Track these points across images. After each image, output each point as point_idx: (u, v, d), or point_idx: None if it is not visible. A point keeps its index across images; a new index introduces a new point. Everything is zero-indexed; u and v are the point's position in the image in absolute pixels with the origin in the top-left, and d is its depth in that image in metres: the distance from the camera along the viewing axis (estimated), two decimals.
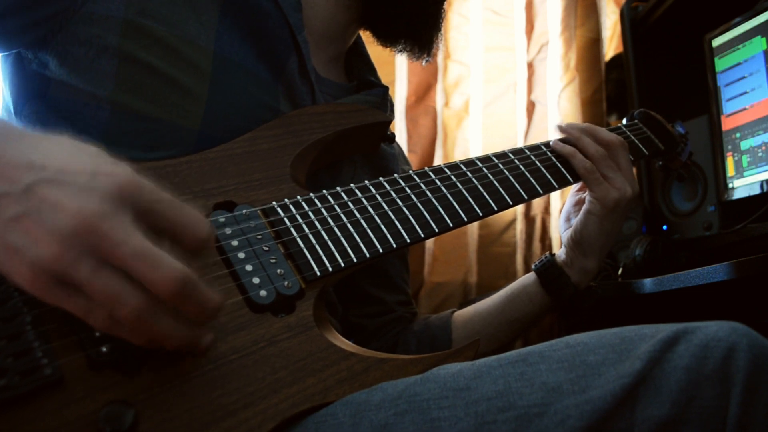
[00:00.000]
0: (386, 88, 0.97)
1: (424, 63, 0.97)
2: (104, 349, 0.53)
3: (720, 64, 1.36)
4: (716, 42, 1.37)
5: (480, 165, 0.84)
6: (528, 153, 0.90)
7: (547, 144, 0.94)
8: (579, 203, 0.98)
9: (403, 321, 1.01)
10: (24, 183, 0.47)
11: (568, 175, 0.90)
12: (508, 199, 0.83)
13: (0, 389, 0.48)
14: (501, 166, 0.86)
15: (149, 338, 0.50)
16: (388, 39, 0.95)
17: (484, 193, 0.81)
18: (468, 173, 0.83)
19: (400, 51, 0.96)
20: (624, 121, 1.08)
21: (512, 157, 0.88)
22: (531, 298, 0.96)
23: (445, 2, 0.95)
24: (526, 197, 0.85)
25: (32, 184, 0.47)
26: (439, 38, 0.95)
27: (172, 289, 0.47)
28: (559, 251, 0.97)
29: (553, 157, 0.91)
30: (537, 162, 0.89)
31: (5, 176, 0.47)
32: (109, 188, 0.47)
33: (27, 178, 0.47)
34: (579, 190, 1.00)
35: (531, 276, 0.97)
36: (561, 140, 0.95)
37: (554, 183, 0.88)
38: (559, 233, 1.01)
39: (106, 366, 0.53)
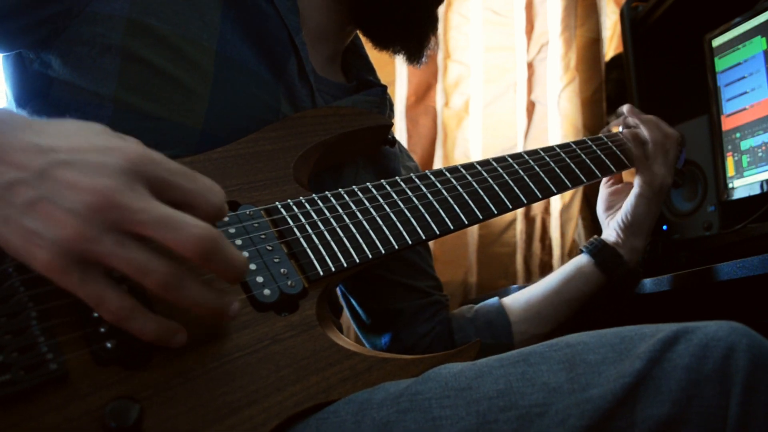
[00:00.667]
0: (385, 88, 0.97)
1: (417, 66, 0.98)
2: (110, 345, 0.53)
3: (720, 64, 1.36)
4: (716, 42, 1.37)
5: (479, 168, 0.85)
6: (526, 158, 0.91)
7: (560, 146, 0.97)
8: (615, 193, 1.08)
9: (442, 306, 1.03)
10: (36, 167, 0.47)
11: (566, 181, 0.92)
12: (508, 203, 0.84)
13: (4, 384, 0.48)
14: (500, 170, 0.86)
15: (157, 334, 0.50)
16: (379, 42, 0.95)
17: (484, 197, 0.82)
18: (468, 176, 0.83)
19: (393, 54, 0.96)
20: (621, 128, 1.09)
21: (511, 161, 0.89)
22: (587, 279, 1.00)
23: (438, 7, 0.95)
24: (525, 201, 0.86)
25: (46, 167, 0.47)
26: (431, 44, 0.95)
27: (197, 248, 0.47)
28: (604, 235, 1.04)
29: (551, 162, 0.92)
30: (536, 167, 0.90)
31: (15, 163, 0.47)
32: (121, 162, 0.48)
33: (39, 162, 0.47)
34: (612, 183, 1.09)
35: (583, 258, 1.01)
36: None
37: (553, 188, 0.90)
38: (599, 221, 1.09)
39: (112, 362, 0.53)
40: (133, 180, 0.48)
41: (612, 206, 1.07)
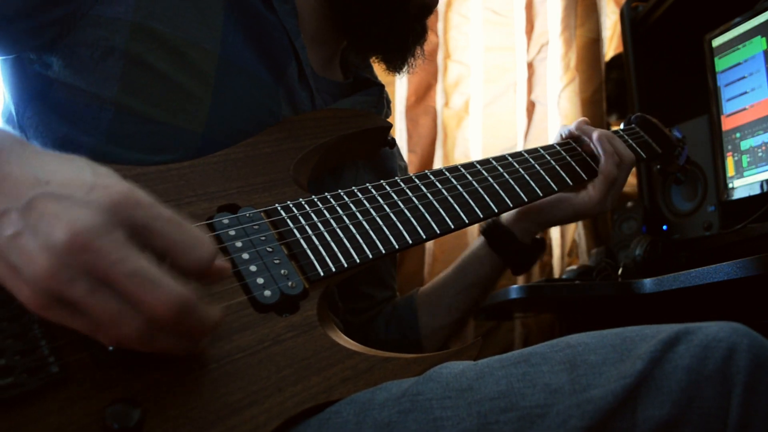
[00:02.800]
0: (382, 86, 0.97)
1: (400, 77, 0.97)
2: (111, 348, 0.53)
3: (720, 64, 1.37)
4: (716, 42, 1.37)
5: (479, 168, 0.85)
6: (527, 156, 0.91)
7: (554, 145, 0.96)
8: None
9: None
10: (26, 198, 0.46)
11: (567, 179, 0.91)
12: (509, 202, 0.83)
13: (7, 387, 0.49)
14: (501, 169, 0.86)
15: (153, 350, 0.50)
16: (361, 53, 0.96)
17: (485, 196, 0.82)
18: (468, 176, 0.83)
19: (376, 62, 0.96)
20: (622, 125, 1.09)
21: (511, 159, 0.89)
22: (481, 261, 0.99)
23: (425, 19, 0.93)
24: (526, 199, 0.86)
25: (32, 199, 0.46)
26: (416, 54, 0.94)
27: (168, 314, 0.46)
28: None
29: (552, 161, 0.92)
30: (536, 165, 0.90)
31: (11, 193, 0.46)
32: (104, 201, 0.46)
33: (29, 193, 0.46)
34: None
35: (480, 239, 1.00)
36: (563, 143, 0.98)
37: (553, 186, 0.89)
38: None
39: (113, 364, 0.53)
40: (115, 222, 0.46)
41: None
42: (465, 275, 1.00)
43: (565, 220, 0.98)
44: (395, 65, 0.94)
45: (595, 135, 0.95)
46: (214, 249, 0.51)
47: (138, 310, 0.46)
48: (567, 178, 0.91)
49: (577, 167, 0.93)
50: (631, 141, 1.02)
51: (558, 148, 0.95)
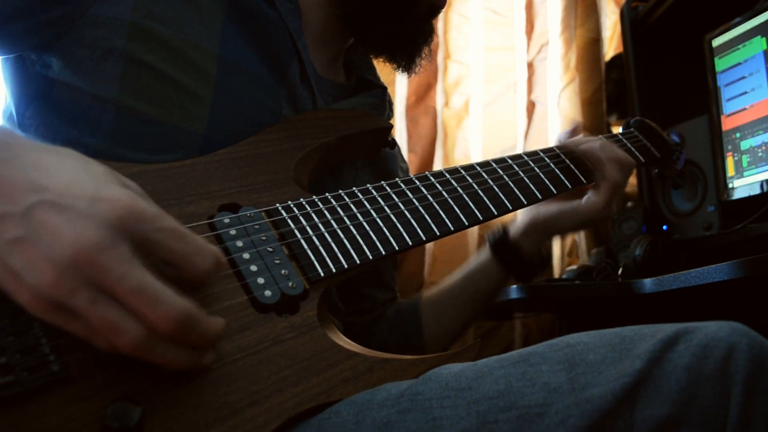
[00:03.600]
0: (385, 89, 0.97)
1: (408, 76, 0.97)
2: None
3: (720, 64, 1.37)
4: (716, 42, 1.37)
5: (479, 170, 0.85)
6: (527, 159, 0.91)
7: (550, 149, 0.95)
8: None
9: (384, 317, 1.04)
10: (25, 204, 0.46)
11: (566, 182, 0.92)
12: (508, 205, 0.84)
13: (7, 385, 0.49)
14: (500, 171, 0.86)
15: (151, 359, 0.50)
16: (370, 52, 0.96)
17: (484, 198, 0.82)
18: (467, 178, 0.83)
19: (385, 62, 0.96)
20: (620, 129, 1.09)
21: (511, 162, 0.89)
22: (487, 273, 0.99)
23: (433, 19, 0.93)
24: (525, 202, 0.86)
25: (32, 206, 0.46)
26: (424, 54, 0.94)
27: (171, 327, 0.47)
28: (516, 223, 1.00)
29: (551, 164, 0.92)
30: (536, 168, 0.90)
31: (7, 196, 0.47)
32: (108, 216, 0.46)
33: (28, 199, 0.46)
34: None
35: (486, 252, 1.00)
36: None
37: (552, 189, 0.89)
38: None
39: (113, 363, 0.53)
40: (119, 238, 0.46)
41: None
42: (471, 286, 1.00)
43: (572, 229, 0.98)
44: (404, 65, 0.94)
45: (598, 145, 0.95)
46: (217, 257, 0.52)
47: (141, 321, 0.47)
48: (566, 181, 0.91)
49: (576, 170, 0.93)
50: (630, 145, 1.02)
51: (557, 150, 0.95)
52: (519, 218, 0.99)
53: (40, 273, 0.45)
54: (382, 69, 1.04)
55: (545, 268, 1.02)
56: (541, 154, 0.93)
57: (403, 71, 0.95)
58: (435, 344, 1.01)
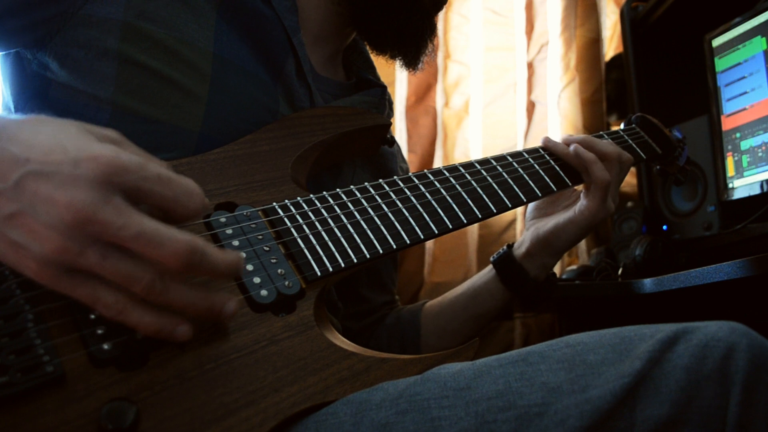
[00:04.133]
0: (384, 88, 0.97)
1: (413, 72, 0.97)
2: (106, 347, 0.53)
3: (720, 64, 1.36)
4: (716, 42, 1.37)
5: (479, 167, 0.85)
6: (527, 156, 0.91)
7: (543, 148, 0.94)
8: (551, 201, 0.97)
9: (382, 321, 1.03)
10: (12, 179, 0.47)
11: (566, 179, 0.90)
12: (507, 202, 0.83)
13: (2, 386, 0.48)
14: (500, 169, 0.86)
15: (157, 326, 0.51)
16: (377, 47, 0.95)
17: (483, 196, 0.82)
18: (467, 175, 0.83)
19: (391, 59, 0.96)
20: (622, 126, 1.09)
21: (511, 159, 0.88)
22: (492, 294, 0.97)
23: (437, 14, 0.94)
24: (525, 200, 0.85)
25: (20, 179, 0.47)
26: (428, 50, 0.94)
27: (181, 260, 0.48)
28: (519, 241, 0.97)
29: (551, 161, 0.91)
30: (536, 165, 0.89)
31: None
32: (94, 174, 0.47)
33: (14, 174, 0.47)
34: None
35: (491, 272, 0.97)
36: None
37: (553, 186, 0.89)
38: (525, 219, 1.00)
39: (108, 363, 0.53)
40: (109, 191, 0.48)
41: (541, 215, 0.97)
42: (474, 306, 0.98)
43: (574, 240, 0.93)
44: (410, 60, 0.94)
45: (571, 149, 0.91)
46: (204, 198, 0.53)
47: (150, 263, 0.48)
48: (566, 178, 0.90)
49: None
50: (630, 141, 1.02)
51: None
52: (521, 240, 0.96)
53: (45, 241, 0.46)
54: (382, 69, 1.04)
55: (552, 291, 0.98)
56: (542, 152, 0.93)
57: (408, 67, 0.95)
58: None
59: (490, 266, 0.98)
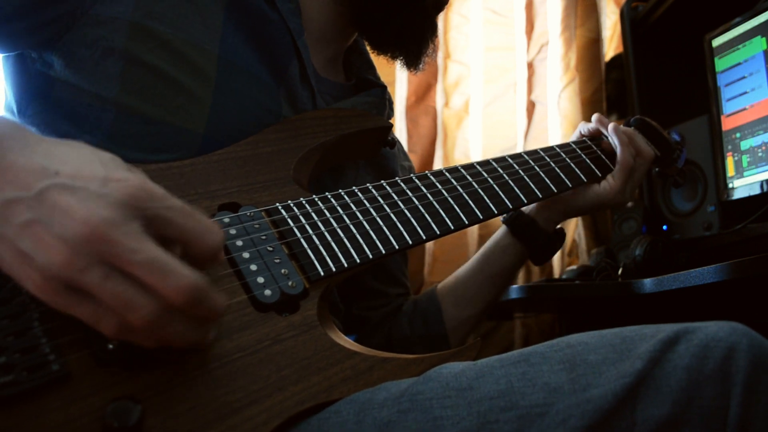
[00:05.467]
0: (384, 88, 0.97)
1: (415, 73, 0.98)
2: (111, 346, 0.53)
3: (720, 64, 1.37)
4: (716, 42, 1.37)
5: (479, 169, 0.85)
6: (527, 158, 0.91)
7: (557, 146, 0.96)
8: None
9: (400, 311, 1.04)
10: (36, 188, 0.47)
11: (567, 181, 0.92)
12: (508, 203, 0.84)
13: (7, 385, 0.49)
14: (500, 170, 0.87)
15: (159, 341, 0.50)
16: (378, 47, 0.95)
17: (484, 197, 0.82)
18: (468, 177, 0.83)
19: (392, 59, 0.96)
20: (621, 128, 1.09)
21: (511, 161, 0.89)
22: (505, 250, 1.00)
23: (438, 15, 0.94)
24: (525, 201, 0.86)
25: (44, 189, 0.47)
26: (429, 50, 0.95)
27: (183, 298, 0.47)
28: None
29: (551, 162, 0.92)
30: (536, 167, 0.90)
31: (18, 181, 0.47)
32: (120, 195, 0.47)
33: (40, 183, 0.47)
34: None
35: (502, 229, 1.01)
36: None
37: (552, 187, 0.90)
38: None
39: (113, 363, 0.53)
40: (130, 215, 0.47)
41: None
42: (488, 265, 1.01)
43: (587, 208, 0.99)
44: (412, 60, 0.94)
45: (611, 127, 0.98)
46: (223, 235, 0.53)
47: (153, 296, 0.47)
48: (566, 180, 0.91)
49: (576, 168, 0.94)
50: None
51: (557, 149, 0.95)
52: None
53: (52, 252, 0.46)
54: (382, 69, 1.04)
55: (560, 243, 1.02)
56: (541, 153, 0.93)
57: (409, 67, 0.95)
58: (458, 329, 1.01)
59: (502, 227, 1.01)
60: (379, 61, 1.01)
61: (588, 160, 0.96)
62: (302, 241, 0.69)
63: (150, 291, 0.47)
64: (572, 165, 0.94)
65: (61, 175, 0.47)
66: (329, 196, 0.74)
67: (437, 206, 0.78)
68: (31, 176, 0.47)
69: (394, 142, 0.97)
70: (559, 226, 1.03)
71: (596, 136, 1.03)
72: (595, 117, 1.02)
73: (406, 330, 1.00)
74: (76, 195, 0.47)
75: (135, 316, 0.47)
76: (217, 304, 0.50)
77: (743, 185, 1.29)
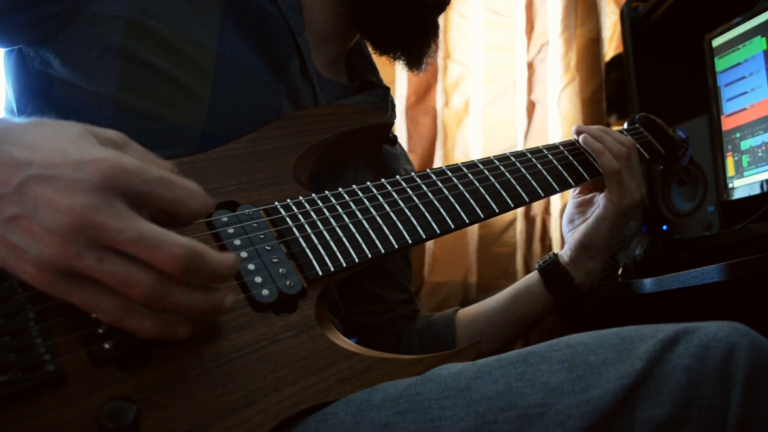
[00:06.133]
0: (387, 89, 0.97)
1: (416, 73, 0.97)
2: (107, 346, 0.53)
3: (720, 64, 1.36)
4: (716, 42, 1.37)
5: (481, 167, 0.85)
6: (529, 156, 0.90)
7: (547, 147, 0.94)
8: (582, 205, 0.98)
9: (405, 319, 1.02)
10: (14, 183, 0.47)
11: (569, 178, 0.90)
12: (509, 202, 0.83)
13: (3, 385, 0.48)
14: (502, 168, 0.86)
15: (157, 330, 0.50)
16: (380, 47, 0.95)
17: (486, 195, 0.82)
18: (469, 175, 0.83)
19: (393, 59, 0.95)
20: (625, 125, 1.08)
21: (513, 159, 0.88)
22: (534, 298, 0.96)
23: (440, 15, 0.94)
24: (527, 199, 0.85)
25: (22, 183, 0.47)
26: (431, 51, 0.94)
27: (179, 265, 0.48)
28: (562, 251, 0.97)
29: (554, 161, 0.91)
30: (538, 165, 0.89)
31: None
32: (95, 178, 0.47)
33: (16, 177, 0.47)
34: (580, 192, 1.00)
35: (534, 276, 0.97)
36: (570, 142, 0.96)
37: (555, 186, 0.89)
38: (562, 234, 1.00)
39: (109, 363, 0.53)
40: (110, 196, 0.47)
41: (575, 220, 0.98)
42: (515, 309, 0.97)
43: (610, 237, 0.93)
44: (414, 61, 0.94)
45: (580, 139, 0.94)
46: (207, 198, 0.53)
47: (150, 269, 0.48)
48: (568, 177, 0.90)
49: (579, 166, 0.93)
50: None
51: (561, 147, 0.94)
52: (564, 250, 0.97)
53: (44, 244, 0.46)
54: (382, 69, 1.04)
55: (592, 302, 0.97)
56: (545, 151, 0.92)
57: (411, 68, 0.95)
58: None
59: (533, 273, 0.97)
60: (379, 61, 1.01)
61: (591, 158, 0.95)
62: (300, 240, 0.68)
63: (147, 264, 0.48)
64: (575, 162, 0.93)
65: (35, 165, 0.48)
66: (329, 195, 0.73)
67: (438, 205, 0.78)
68: (5, 171, 0.47)
69: (395, 140, 0.96)
70: (595, 284, 0.98)
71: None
72: (573, 128, 0.98)
73: (415, 346, 0.99)
74: (54, 185, 0.47)
75: (135, 291, 0.48)
76: (217, 264, 0.50)
77: (743, 185, 1.28)
